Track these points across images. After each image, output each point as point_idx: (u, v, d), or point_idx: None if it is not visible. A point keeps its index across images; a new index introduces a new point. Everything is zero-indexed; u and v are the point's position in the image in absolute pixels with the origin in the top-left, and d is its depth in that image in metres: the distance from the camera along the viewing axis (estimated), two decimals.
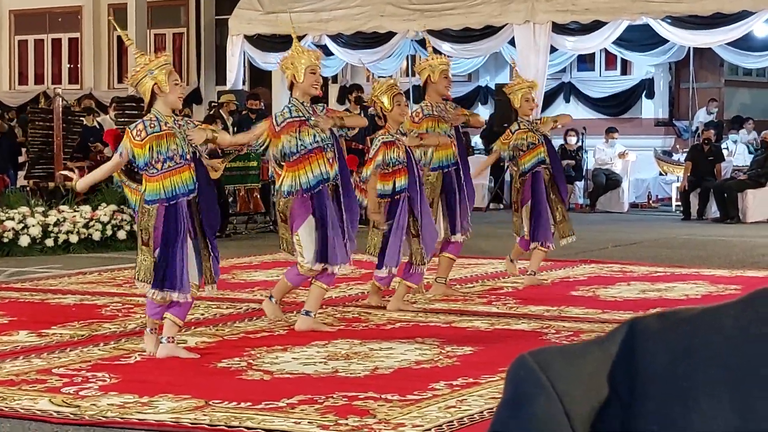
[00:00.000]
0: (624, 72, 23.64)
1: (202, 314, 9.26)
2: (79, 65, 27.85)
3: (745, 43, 20.35)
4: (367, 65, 16.86)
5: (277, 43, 20.81)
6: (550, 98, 22.33)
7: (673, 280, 11.38)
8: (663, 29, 19.51)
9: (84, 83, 27.37)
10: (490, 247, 13.40)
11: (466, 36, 20.78)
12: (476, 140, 22.24)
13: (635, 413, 0.99)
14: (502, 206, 20.64)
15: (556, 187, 11.14)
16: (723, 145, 20.81)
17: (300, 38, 21.04)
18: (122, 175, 7.86)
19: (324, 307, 9.34)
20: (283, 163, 8.54)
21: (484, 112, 23.70)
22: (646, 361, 1.00)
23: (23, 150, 20.22)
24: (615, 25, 19.65)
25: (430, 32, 20.13)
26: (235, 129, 18.13)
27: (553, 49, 20.59)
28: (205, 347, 8.06)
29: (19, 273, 12.12)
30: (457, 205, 10.17)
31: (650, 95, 23.22)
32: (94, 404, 6.40)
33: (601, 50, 22.11)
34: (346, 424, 5.92)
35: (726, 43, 19.91)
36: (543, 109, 19.98)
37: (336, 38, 21.80)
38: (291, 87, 8.70)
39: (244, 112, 18.96)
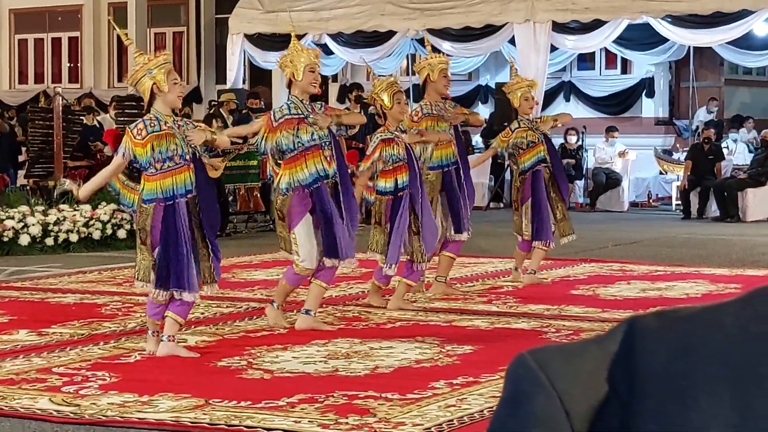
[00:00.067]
0: (624, 71, 23.64)
1: (202, 313, 9.26)
2: (79, 64, 27.85)
3: (745, 42, 20.34)
4: (369, 63, 16.83)
5: (278, 42, 20.80)
6: (550, 97, 22.34)
7: (673, 279, 11.37)
8: (663, 28, 19.51)
9: (84, 82, 27.37)
10: (490, 246, 13.40)
11: (466, 35, 20.78)
12: (477, 139, 22.23)
13: (634, 412, 0.99)
14: (502, 205, 20.64)
15: (557, 185, 11.14)
16: (723, 144, 20.81)
17: (300, 37, 21.02)
18: (121, 175, 7.86)
19: (324, 306, 9.34)
20: (280, 162, 8.54)
21: (484, 110, 23.69)
22: (645, 360, 1.00)
23: (23, 149, 20.23)
24: (615, 24, 19.66)
25: (431, 31, 20.15)
26: None
27: (553, 48, 20.59)
28: (206, 346, 8.06)
29: (19, 272, 12.12)
30: (459, 203, 10.18)
31: (650, 94, 23.21)
32: (94, 403, 6.40)
33: (601, 49, 22.11)
34: (347, 423, 5.92)
35: (726, 42, 19.92)
36: (543, 108, 19.98)
37: (336, 37, 21.81)
38: (290, 85, 8.71)
39: (244, 111, 18.95)
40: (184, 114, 15.74)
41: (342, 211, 8.53)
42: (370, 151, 9.51)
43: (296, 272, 8.62)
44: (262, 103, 19.70)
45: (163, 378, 7.01)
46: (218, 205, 8.77)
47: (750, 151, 21.11)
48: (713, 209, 18.78)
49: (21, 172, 19.44)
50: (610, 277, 11.60)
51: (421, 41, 19.00)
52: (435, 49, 13.37)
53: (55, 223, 13.92)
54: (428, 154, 10.06)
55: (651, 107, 23.40)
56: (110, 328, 8.80)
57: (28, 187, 16.81)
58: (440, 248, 10.27)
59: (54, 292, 10.60)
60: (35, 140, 17.25)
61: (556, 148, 12.36)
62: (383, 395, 6.49)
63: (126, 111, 17.03)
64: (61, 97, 16.61)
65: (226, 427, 5.89)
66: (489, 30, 20.56)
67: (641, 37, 21.16)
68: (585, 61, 23.64)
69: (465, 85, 24.01)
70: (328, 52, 22.03)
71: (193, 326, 8.62)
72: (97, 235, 14.08)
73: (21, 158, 20.51)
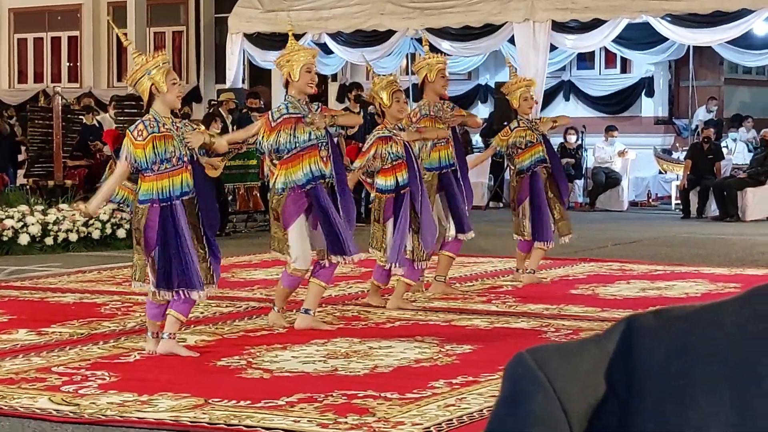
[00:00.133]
0: (624, 70, 23.62)
1: (202, 313, 9.26)
2: (78, 63, 27.84)
3: (744, 42, 20.34)
4: (370, 62, 16.84)
5: (277, 41, 20.79)
6: (549, 96, 22.33)
7: (673, 278, 11.37)
8: (663, 27, 19.51)
9: (83, 82, 27.36)
10: (490, 246, 13.40)
11: (465, 34, 20.78)
12: (476, 139, 22.23)
13: (632, 410, 0.99)
14: (501, 204, 20.64)
15: (555, 185, 11.14)
16: (722, 144, 20.81)
17: (300, 36, 21.03)
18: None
19: (324, 305, 9.34)
20: (276, 162, 8.53)
21: (483, 110, 23.69)
22: (644, 359, 1.00)
23: (23, 148, 20.23)
24: (614, 24, 19.66)
25: (430, 30, 20.15)
26: (235, 127, 18.12)
27: (552, 48, 20.59)
28: (205, 346, 8.06)
29: (18, 271, 12.11)
30: (459, 203, 10.17)
31: (650, 93, 23.20)
32: (93, 402, 6.39)
33: (600, 48, 22.11)
34: (346, 423, 5.92)
35: (726, 42, 19.92)
36: (543, 108, 20.00)
37: (336, 36, 21.80)
38: (287, 85, 8.71)
39: (243, 111, 18.95)
40: (184, 114, 15.76)
41: (339, 212, 8.53)
42: (365, 148, 9.52)
43: (289, 273, 8.62)
44: (262, 102, 19.70)
45: (163, 377, 7.01)
46: (218, 204, 8.76)
47: (749, 151, 21.10)
48: (713, 209, 18.78)
49: (20, 172, 19.44)
50: (609, 276, 11.60)
51: (421, 40, 19.01)
52: (433, 48, 13.37)
53: (55, 223, 13.91)
54: (427, 150, 10.05)
55: (650, 106, 23.39)
56: (110, 327, 8.80)
57: (27, 187, 16.82)
58: (439, 247, 10.27)
59: (53, 292, 10.60)
60: (35, 140, 17.26)
61: (556, 147, 12.38)
62: (382, 395, 6.48)
63: (125, 110, 17.05)
64: (60, 97, 16.61)
65: (226, 427, 5.89)
66: (488, 29, 20.56)
67: (641, 37, 21.15)
68: (584, 60, 23.63)
69: (464, 85, 24.00)
70: (328, 51, 22.03)
71: (192, 326, 8.61)
72: (96, 234, 14.08)
73: (20, 158, 20.51)
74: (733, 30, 18.98)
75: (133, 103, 15.88)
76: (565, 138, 20.57)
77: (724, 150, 20.40)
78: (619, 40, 20.74)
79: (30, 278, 11.59)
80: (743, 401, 0.97)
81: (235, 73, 22.54)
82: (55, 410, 6.27)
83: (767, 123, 21.48)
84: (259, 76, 24.51)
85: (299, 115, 8.51)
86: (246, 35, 22.32)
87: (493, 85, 23.26)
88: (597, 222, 17.71)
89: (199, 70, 26.39)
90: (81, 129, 18.09)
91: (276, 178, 8.53)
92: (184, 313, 7.76)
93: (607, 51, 22.73)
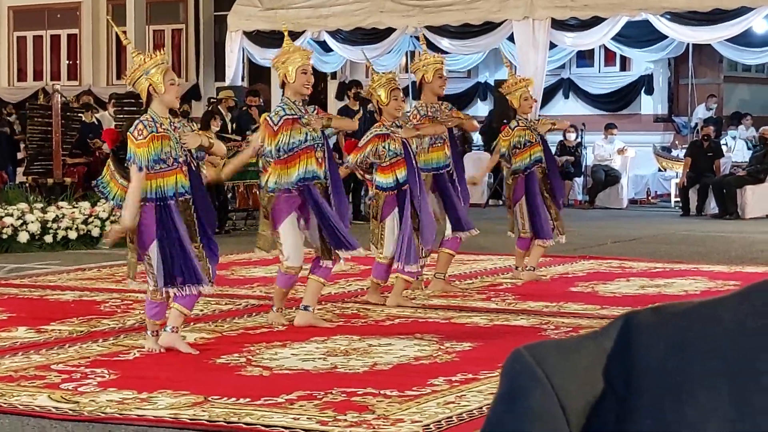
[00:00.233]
0: (623, 68, 23.63)
1: (201, 310, 9.25)
2: (77, 61, 27.84)
3: (744, 39, 20.34)
4: (370, 59, 16.81)
5: (276, 39, 20.71)
6: (549, 94, 22.33)
7: (672, 275, 11.38)
8: (662, 25, 19.50)
9: (83, 79, 27.35)
10: (489, 243, 13.40)
11: (465, 32, 20.77)
12: (476, 137, 22.23)
13: (630, 407, 0.99)
14: (501, 202, 20.61)
15: (549, 185, 11.13)
16: (722, 141, 20.80)
17: (299, 34, 21.02)
18: (113, 167, 7.83)
19: (323, 303, 9.35)
20: (270, 160, 8.52)
21: (483, 107, 23.71)
22: (642, 355, 1.00)
23: (22, 146, 20.23)
24: (614, 21, 19.64)
25: (429, 28, 20.14)
26: (234, 125, 18.14)
27: (552, 45, 20.58)
28: (204, 343, 8.06)
29: (18, 269, 12.11)
30: (456, 203, 10.17)
31: (649, 91, 23.21)
32: (93, 400, 6.40)
33: (600, 46, 22.10)
34: (345, 420, 5.92)
35: (725, 39, 19.91)
36: (542, 106, 19.99)
37: (335, 34, 21.79)
38: (283, 86, 8.72)
39: (243, 108, 18.95)
40: (183, 112, 15.75)
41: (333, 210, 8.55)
42: (361, 144, 9.53)
43: (282, 272, 8.63)
44: (261, 100, 19.70)
45: (162, 375, 7.01)
46: (218, 202, 8.76)
47: (749, 148, 21.10)
48: (712, 206, 18.78)
49: (20, 170, 19.44)
50: (609, 274, 11.60)
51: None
52: (431, 46, 13.36)
53: (54, 221, 13.91)
54: (425, 149, 10.03)
55: (650, 104, 23.40)
56: (109, 325, 8.80)
57: (26, 185, 16.81)
58: (439, 245, 10.27)
59: (53, 290, 10.60)
60: (34, 137, 17.25)
61: (555, 145, 12.38)
62: (382, 392, 6.49)
63: (125, 108, 17.03)
64: (59, 95, 16.61)
65: (225, 424, 5.89)
66: (488, 27, 20.55)
67: (640, 34, 21.14)
68: (584, 58, 23.63)
69: (464, 83, 24.01)
70: (327, 49, 22.02)
71: (192, 323, 8.61)
72: (96, 232, 14.07)
73: (20, 155, 20.51)
74: (733, 28, 18.97)
75: (133, 100, 15.87)
76: (564, 136, 20.55)
77: (724, 148, 20.40)
78: (619, 37, 20.74)
79: (29, 276, 11.59)
80: (742, 397, 0.97)
81: (234, 70, 22.53)
82: (54, 408, 6.27)
83: (766, 121, 21.48)
84: (258, 74, 24.49)
85: (296, 116, 8.52)
86: (245, 33, 22.31)
87: (492, 83, 23.26)
88: (596, 220, 17.72)
89: (199, 67, 26.38)
90: (80, 127, 18.09)
91: (268, 177, 8.53)
92: (188, 307, 7.76)
93: (606, 49, 22.73)
